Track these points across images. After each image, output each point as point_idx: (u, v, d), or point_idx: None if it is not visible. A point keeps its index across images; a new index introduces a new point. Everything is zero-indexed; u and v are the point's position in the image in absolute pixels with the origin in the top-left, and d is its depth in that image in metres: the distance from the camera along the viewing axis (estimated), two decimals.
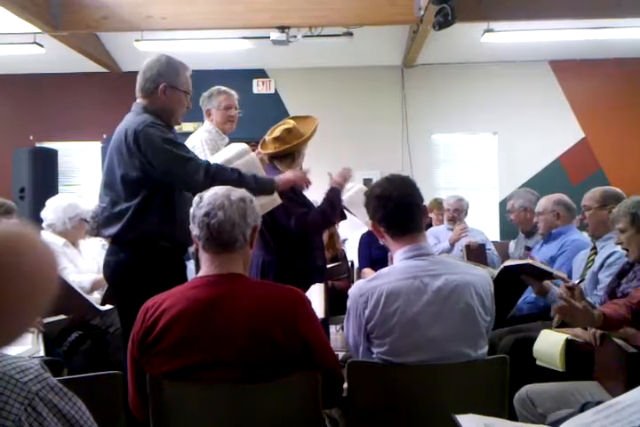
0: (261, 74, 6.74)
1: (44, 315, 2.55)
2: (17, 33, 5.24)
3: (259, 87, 6.74)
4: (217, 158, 2.51)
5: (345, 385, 1.74)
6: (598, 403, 1.33)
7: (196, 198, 1.68)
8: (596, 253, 2.81)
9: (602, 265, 2.69)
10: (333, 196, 2.84)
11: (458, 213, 4.51)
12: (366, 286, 1.77)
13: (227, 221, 1.61)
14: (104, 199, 2.34)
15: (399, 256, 1.81)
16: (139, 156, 2.22)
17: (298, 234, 2.78)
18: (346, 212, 3.02)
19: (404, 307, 1.71)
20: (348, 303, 1.80)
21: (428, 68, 6.52)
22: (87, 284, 3.24)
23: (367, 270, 4.00)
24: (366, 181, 6.51)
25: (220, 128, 3.18)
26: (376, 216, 1.86)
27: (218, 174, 2.22)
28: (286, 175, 2.55)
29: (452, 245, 4.17)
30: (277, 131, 2.87)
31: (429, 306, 1.71)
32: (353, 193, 3.02)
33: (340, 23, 5.24)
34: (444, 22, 4.56)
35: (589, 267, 2.78)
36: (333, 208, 2.82)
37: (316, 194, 3.00)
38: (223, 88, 3.24)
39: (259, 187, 2.31)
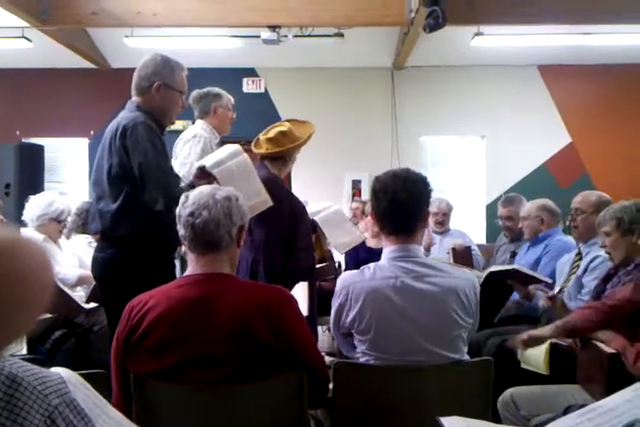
0: (251, 73, 6.73)
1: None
2: (5, 27, 5.18)
3: (248, 86, 6.72)
4: (210, 159, 2.49)
5: (330, 386, 1.74)
6: (582, 406, 1.35)
7: (182, 198, 1.67)
8: (580, 259, 2.83)
9: (585, 269, 2.72)
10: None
11: (446, 216, 4.51)
12: (351, 279, 1.80)
13: (211, 221, 1.60)
14: (92, 195, 2.34)
15: (385, 254, 1.82)
16: (121, 151, 2.21)
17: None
18: (318, 230, 3.01)
19: (382, 306, 1.73)
20: (336, 290, 1.85)
21: (418, 70, 6.55)
22: (73, 278, 3.25)
23: None
24: (355, 183, 6.53)
25: (220, 127, 3.16)
26: (373, 208, 1.86)
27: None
28: None
29: (428, 249, 4.17)
30: (272, 132, 2.85)
31: (407, 307, 1.72)
32: (329, 213, 3.01)
33: (331, 24, 5.25)
34: (434, 25, 4.57)
35: (574, 272, 2.81)
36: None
37: (301, 196, 3.00)
38: (223, 90, 3.24)
39: None
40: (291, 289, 2.21)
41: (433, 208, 4.50)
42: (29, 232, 3.34)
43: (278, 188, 2.75)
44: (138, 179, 2.20)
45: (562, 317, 2.29)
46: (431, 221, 4.49)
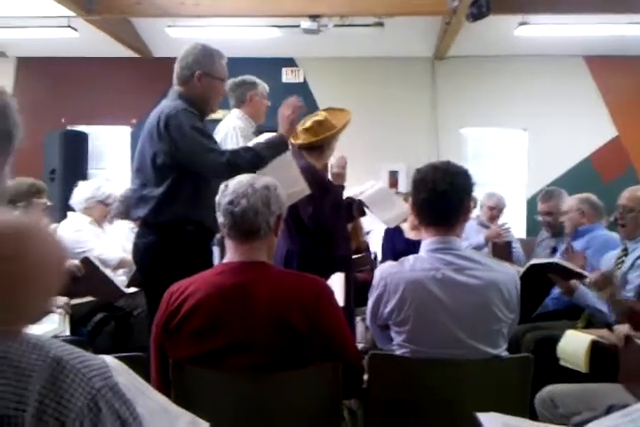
0: (291, 63, 6.72)
1: (71, 297, 2.62)
2: (51, 16, 5.29)
3: (287, 76, 6.71)
4: None
5: (365, 377, 1.74)
6: (624, 406, 1.31)
7: (222, 186, 1.69)
8: (626, 255, 2.74)
9: (632, 265, 2.64)
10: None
11: (499, 211, 4.47)
12: (389, 270, 1.79)
13: (250, 209, 1.61)
14: (135, 182, 2.38)
15: (424, 246, 1.81)
16: (167, 140, 2.24)
17: (313, 228, 2.79)
18: (366, 209, 3.00)
19: (421, 297, 1.71)
20: (374, 281, 1.84)
21: (460, 60, 6.43)
22: (115, 259, 3.36)
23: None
24: (392, 174, 6.47)
25: (256, 115, 3.18)
26: (413, 199, 1.86)
27: (236, 160, 2.24)
28: (283, 123, 2.42)
29: (487, 242, 4.09)
30: (309, 122, 2.86)
31: (447, 299, 1.70)
32: (373, 191, 2.99)
33: (371, 13, 5.19)
34: (478, 14, 4.48)
35: (619, 268, 2.73)
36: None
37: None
38: (257, 79, 3.26)
39: (273, 151, 2.34)
40: (327, 279, 2.21)
41: (491, 202, 4.51)
42: (76, 215, 3.48)
43: (314, 177, 2.75)
44: (195, 165, 2.26)
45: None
46: (486, 214, 4.48)
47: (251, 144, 2.43)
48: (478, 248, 3.99)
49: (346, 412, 1.84)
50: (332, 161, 2.89)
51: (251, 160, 2.26)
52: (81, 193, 3.50)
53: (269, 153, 2.32)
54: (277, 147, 2.37)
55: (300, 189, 2.52)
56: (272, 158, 2.32)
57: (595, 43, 5.93)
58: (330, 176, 2.88)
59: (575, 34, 5.55)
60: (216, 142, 2.41)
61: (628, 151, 6.40)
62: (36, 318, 0.78)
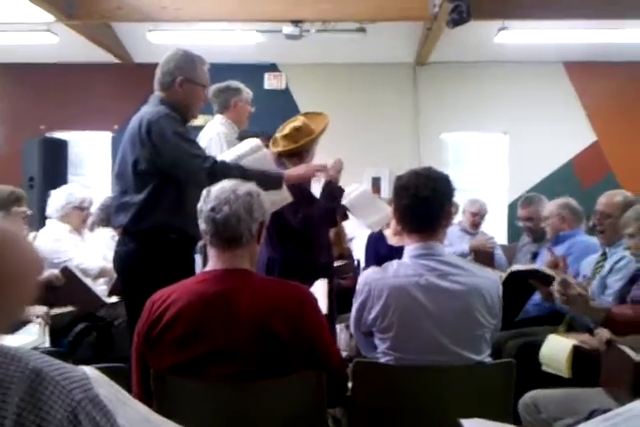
0: (273, 68, 6.72)
1: (51, 307, 2.58)
2: (30, 22, 5.23)
3: (270, 82, 6.71)
4: (230, 154, 2.50)
5: (349, 384, 1.73)
6: (605, 411, 1.32)
7: (204, 193, 1.67)
8: (605, 259, 2.77)
9: (611, 270, 2.66)
10: (330, 190, 2.83)
11: (481, 218, 4.49)
12: (373, 276, 1.79)
13: (232, 216, 1.60)
14: (115, 189, 2.36)
15: (408, 252, 1.81)
16: (149, 146, 2.23)
17: (301, 232, 2.78)
18: (348, 213, 3.00)
19: (405, 303, 1.71)
20: (357, 287, 1.83)
21: (441, 66, 6.48)
22: (95, 269, 3.31)
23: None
24: (375, 180, 6.49)
25: (239, 121, 3.18)
26: (395, 206, 1.86)
27: (221, 173, 2.20)
28: (297, 170, 2.54)
29: (472, 251, 4.11)
30: (287, 128, 2.85)
31: (431, 305, 1.71)
32: (356, 195, 2.99)
33: (353, 18, 5.21)
34: (458, 20, 4.52)
35: (598, 272, 2.75)
36: (332, 201, 2.82)
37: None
38: (242, 84, 3.25)
39: (264, 185, 2.30)
40: (309, 286, 2.21)
41: (473, 209, 4.52)
42: (55, 223, 3.42)
43: (294, 184, 2.75)
44: (178, 171, 2.24)
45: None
46: (468, 220, 4.49)
47: (231, 155, 2.40)
48: (463, 256, 4.01)
49: (330, 420, 1.83)
50: (329, 163, 2.89)
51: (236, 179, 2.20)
52: (55, 201, 3.44)
53: (258, 184, 2.28)
54: (271, 182, 2.33)
55: (283, 197, 2.51)
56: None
57: (574, 49, 6.01)
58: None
59: (554, 40, 5.63)
60: (200, 148, 2.40)
61: (607, 157, 6.48)
62: (10, 328, 0.77)
